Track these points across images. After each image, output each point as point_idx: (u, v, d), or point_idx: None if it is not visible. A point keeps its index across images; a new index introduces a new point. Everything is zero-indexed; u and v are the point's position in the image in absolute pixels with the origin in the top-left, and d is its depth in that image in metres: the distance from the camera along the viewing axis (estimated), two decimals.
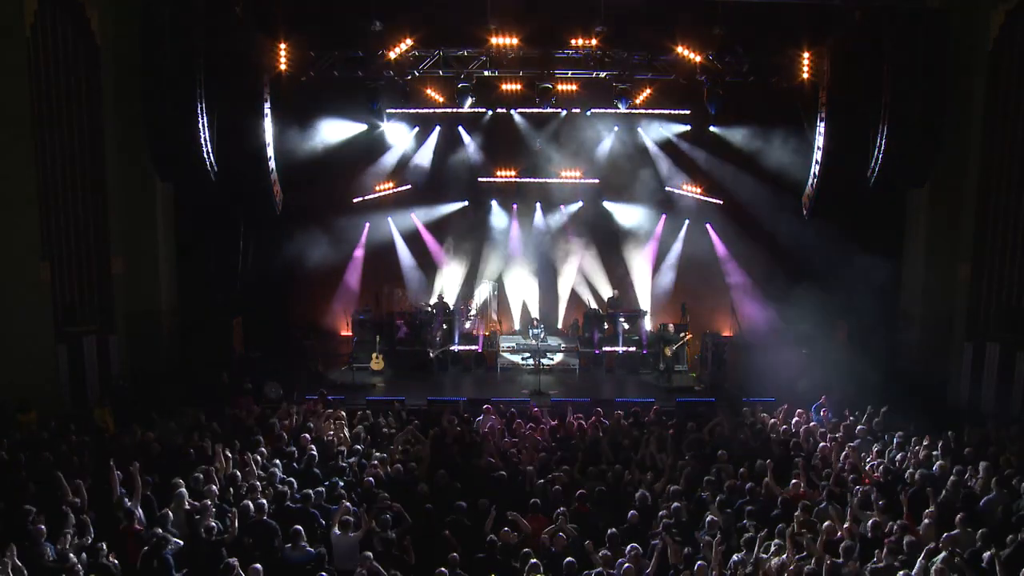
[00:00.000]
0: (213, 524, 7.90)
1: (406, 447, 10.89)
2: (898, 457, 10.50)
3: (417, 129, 18.58)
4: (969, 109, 14.87)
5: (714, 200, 18.34)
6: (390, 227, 19.10)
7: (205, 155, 14.75)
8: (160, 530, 7.74)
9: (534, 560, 7.45)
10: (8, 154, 12.23)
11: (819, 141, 15.61)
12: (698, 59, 14.89)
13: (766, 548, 7.87)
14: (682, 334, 16.91)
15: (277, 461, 9.86)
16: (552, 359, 17.95)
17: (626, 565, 7.38)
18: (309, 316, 18.74)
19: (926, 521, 8.34)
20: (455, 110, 17.18)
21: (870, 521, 8.29)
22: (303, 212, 17.32)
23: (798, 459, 10.22)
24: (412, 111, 17.86)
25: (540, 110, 17.27)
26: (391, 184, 18.67)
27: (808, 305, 15.44)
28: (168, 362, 15.70)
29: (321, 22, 15.14)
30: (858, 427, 11.68)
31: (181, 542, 7.86)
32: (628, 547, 7.67)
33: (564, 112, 17.82)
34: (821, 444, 10.94)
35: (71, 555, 7.24)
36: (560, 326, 19.62)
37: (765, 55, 15.38)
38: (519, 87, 16.39)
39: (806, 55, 15.05)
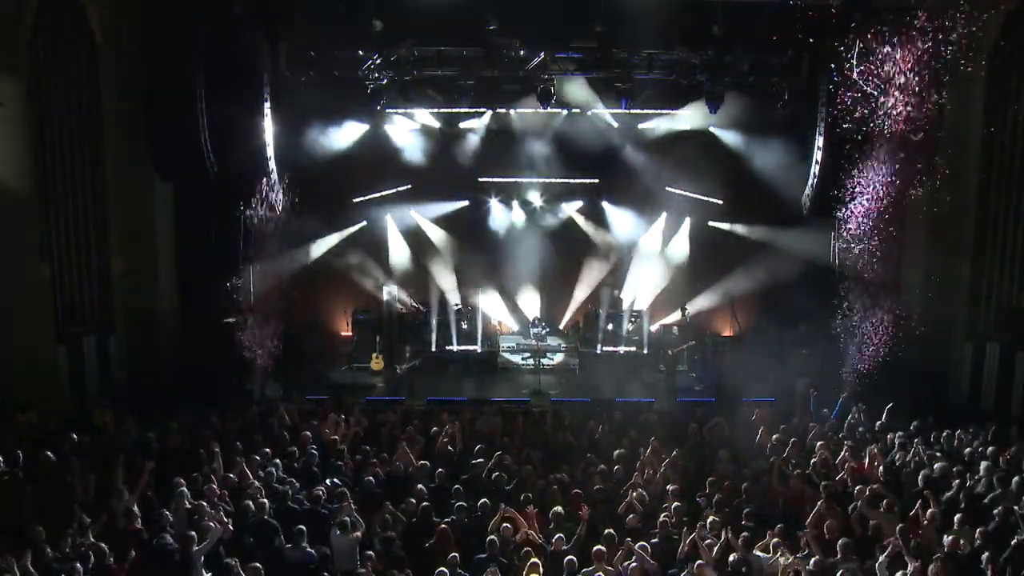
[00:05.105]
0: (212, 524, 7.90)
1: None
2: (898, 457, 10.50)
3: (417, 128, 18.56)
4: (969, 109, 14.84)
5: (714, 200, 18.33)
6: (390, 227, 19.08)
7: (205, 155, 14.73)
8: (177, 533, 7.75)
9: (535, 560, 7.46)
10: (8, 154, 12.21)
11: (818, 141, 15.58)
12: (698, 59, 14.86)
13: (765, 548, 7.88)
14: (680, 348, 16.98)
15: (277, 461, 9.87)
16: (552, 359, 17.94)
17: (631, 565, 7.39)
18: (309, 316, 18.70)
19: (925, 522, 8.34)
20: (455, 109, 17.18)
21: (871, 522, 8.29)
22: (303, 212, 17.27)
23: (797, 460, 10.22)
24: (412, 110, 17.85)
25: (540, 110, 17.26)
26: (391, 184, 18.64)
27: (808, 305, 15.39)
28: (168, 362, 15.68)
29: (321, 21, 15.13)
30: (859, 427, 11.68)
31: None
32: (637, 545, 7.69)
33: (564, 112, 17.80)
34: (821, 444, 10.93)
35: (72, 555, 7.24)
36: (560, 326, 19.61)
37: (765, 55, 15.37)
38: (519, 87, 16.37)
39: (806, 55, 15.03)
